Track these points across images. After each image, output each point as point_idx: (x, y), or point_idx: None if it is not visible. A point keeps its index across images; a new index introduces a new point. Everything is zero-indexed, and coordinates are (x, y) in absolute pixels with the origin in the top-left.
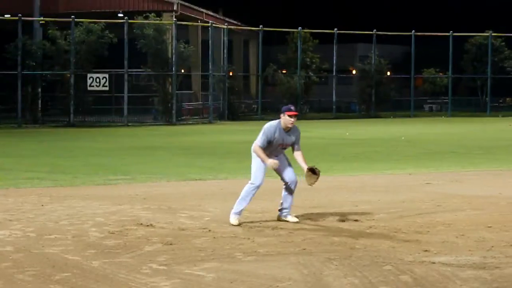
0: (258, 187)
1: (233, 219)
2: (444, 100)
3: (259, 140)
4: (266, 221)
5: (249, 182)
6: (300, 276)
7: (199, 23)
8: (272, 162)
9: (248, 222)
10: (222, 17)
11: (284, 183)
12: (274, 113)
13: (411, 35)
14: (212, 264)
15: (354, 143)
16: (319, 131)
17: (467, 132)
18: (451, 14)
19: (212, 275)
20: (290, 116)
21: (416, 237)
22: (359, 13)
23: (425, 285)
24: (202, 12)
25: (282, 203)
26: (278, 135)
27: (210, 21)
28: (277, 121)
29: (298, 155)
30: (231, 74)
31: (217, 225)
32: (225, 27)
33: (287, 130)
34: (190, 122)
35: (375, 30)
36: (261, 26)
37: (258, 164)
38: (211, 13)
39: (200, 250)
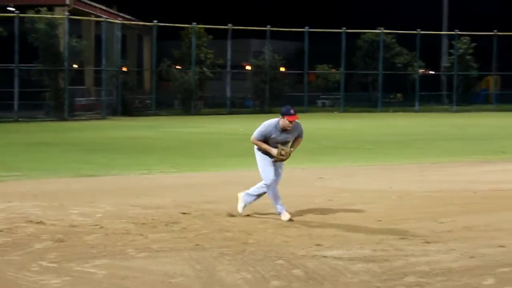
0: (271, 184)
1: (285, 215)
2: (337, 96)
3: (255, 134)
4: (159, 217)
5: (262, 183)
6: (193, 272)
7: (92, 18)
8: (276, 152)
9: (141, 218)
10: (115, 12)
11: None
12: (168, 108)
13: (304, 31)
14: (104, 261)
15: (248, 139)
16: (213, 127)
17: (359, 127)
18: (344, 11)
19: (103, 272)
20: (289, 121)
21: (308, 231)
22: (253, 8)
23: (316, 279)
24: (96, 6)
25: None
26: (275, 134)
27: (104, 16)
28: (276, 120)
29: (295, 142)
30: (125, 69)
31: (109, 222)
32: (119, 22)
33: (285, 130)
34: (83, 118)
35: (269, 26)
36: (155, 21)
37: (264, 160)
38: (105, 8)
39: (92, 247)
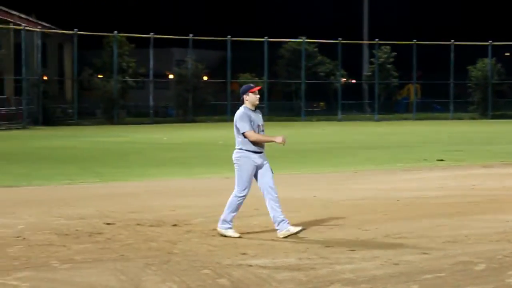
0: (245, 196)
1: (231, 233)
2: (260, 105)
3: (245, 127)
4: (83, 227)
5: (234, 194)
6: (118, 283)
7: (11, 26)
8: (282, 136)
9: (64, 229)
10: (35, 20)
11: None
12: (91, 118)
13: (227, 40)
14: (27, 273)
15: (172, 148)
16: (136, 136)
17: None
18: (266, 20)
19: (26, 284)
20: (254, 92)
21: (234, 241)
22: (175, 17)
23: None
24: (14, 14)
25: (272, 217)
26: (252, 116)
27: (23, 24)
28: (242, 107)
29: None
30: (45, 78)
31: (31, 233)
32: (38, 30)
33: (254, 110)
34: (3, 128)
35: (191, 34)
36: (76, 29)
37: (247, 171)
38: (24, 16)
39: (14, 259)
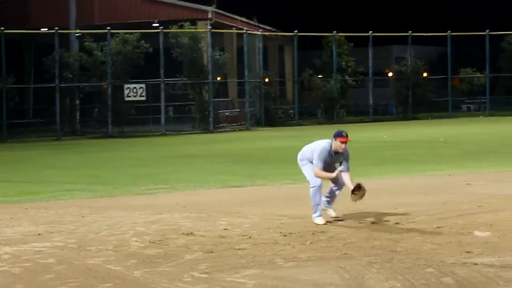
0: (320, 186)
1: (319, 220)
2: (482, 100)
3: (316, 164)
4: (306, 226)
5: (310, 186)
6: (342, 281)
7: (234, 30)
8: (336, 173)
9: (288, 228)
10: (256, 24)
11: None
12: (311, 118)
13: (447, 35)
14: (253, 271)
15: (392, 146)
16: (356, 135)
17: (507, 131)
18: (487, 13)
19: (253, 281)
20: (342, 142)
21: (458, 238)
22: (393, 15)
23: (467, 287)
24: (236, 19)
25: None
26: (329, 158)
27: (245, 28)
28: (328, 144)
29: (345, 176)
30: (267, 80)
31: (257, 232)
32: (260, 33)
33: (336, 152)
34: (228, 130)
35: (410, 31)
36: (295, 31)
37: (310, 168)
38: (245, 20)
39: (241, 257)
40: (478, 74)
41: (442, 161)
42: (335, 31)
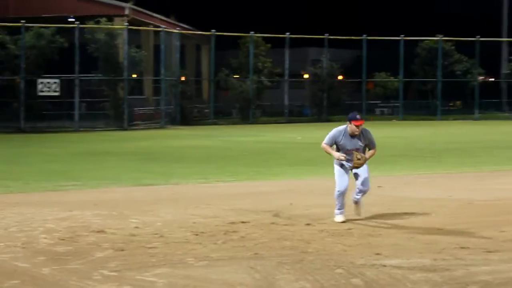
0: (342, 192)
1: (338, 217)
2: (395, 104)
3: (325, 140)
4: (218, 226)
5: (335, 189)
6: (252, 281)
7: (151, 28)
8: (339, 154)
9: (200, 227)
10: (174, 22)
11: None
12: (227, 118)
13: (362, 39)
14: (164, 269)
15: (306, 147)
16: (271, 135)
17: (419, 135)
18: (402, 18)
19: (163, 280)
20: (356, 125)
21: (368, 240)
22: (310, 17)
23: None
24: (154, 16)
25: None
26: (344, 140)
27: (162, 26)
28: (344, 126)
29: (368, 152)
30: (183, 78)
31: (169, 231)
32: (177, 31)
33: (353, 136)
34: (142, 127)
35: (327, 34)
36: (213, 30)
37: (338, 171)
38: (163, 18)
39: (152, 256)
40: (392, 79)
41: None
42: (252, 32)
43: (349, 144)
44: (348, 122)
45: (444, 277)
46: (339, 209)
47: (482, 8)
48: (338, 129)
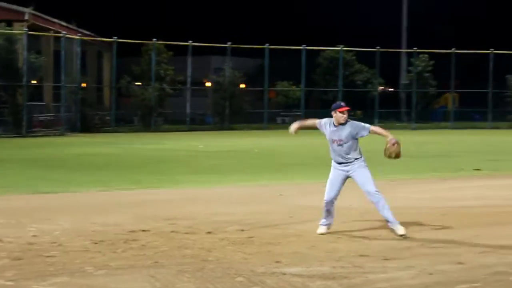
0: (327, 202)
1: (319, 229)
2: (297, 113)
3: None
4: (119, 234)
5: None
6: None
7: (51, 34)
8: (292, 127)
9: (99, 236)
10: (75, 28)
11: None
12: (128, 126)
13: (264, 48)
14: (62, 278)
15: (208, 155)
16: (173, 143)
17: (318, 144)
18: (304, 28)
19: None
20: (341, 112)
21: (268, 248)
22: (213, 25)
23: None
24: (55, 22)
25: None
26: (330, 130)
27: (63, 32)
28: (329, 119)
29: (376, 129)
30: (84, 85)
31: (67, 239)
32: (78, 37)
33: (338, 126)
34: (41, 134)
35: (229, 42)
36: (115, 37)
37: (329, 179)
38: (64, 24)
39: (50, 265)
40: (294, 88)
41: (257, 172)
42: (154, 39)
43: (333, 135)
44: (333, 113)
45: (342, 285)
46: (323, 219)
47: (383, 19)
48: (325, 121)
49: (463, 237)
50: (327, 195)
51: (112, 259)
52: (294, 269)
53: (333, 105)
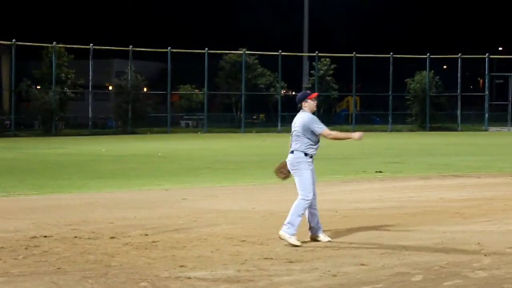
0: (312, 200)
1: (294, 240)
2: (200, 117)
3: (322, 127)
4: (19, 240)
5: (300, 197)
6: None
7: None
8: (359, 133)
9: (0, 242)
10: None
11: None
12: (28, 130)
13: (167, 51)
14: None
15: (111, 160)
16: (74, 148)
17: (223, 148)
18: (207, 32)
19: None
20: (312, 99)
21: (172, 253)
22: (115, 29)
23: None
24: None
25: (309, 222)
26: None
27: None
28: (304, 112)
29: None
30: None
31: None
32: None
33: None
34: None
35: (131, 46)
36: (14, 40)
37: (303, 176)
38: None
39: None
40: (196, 91)
41: (160, 176)
42: (55, 42)
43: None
44: (303, 103)
45: None
46: (295, 231)
47: (285, 24)
48: (310, 115)
49: (365, 238)
50: (312, 192)
51: (13, 266)
52: (198, 273)
53: (300, 96)
